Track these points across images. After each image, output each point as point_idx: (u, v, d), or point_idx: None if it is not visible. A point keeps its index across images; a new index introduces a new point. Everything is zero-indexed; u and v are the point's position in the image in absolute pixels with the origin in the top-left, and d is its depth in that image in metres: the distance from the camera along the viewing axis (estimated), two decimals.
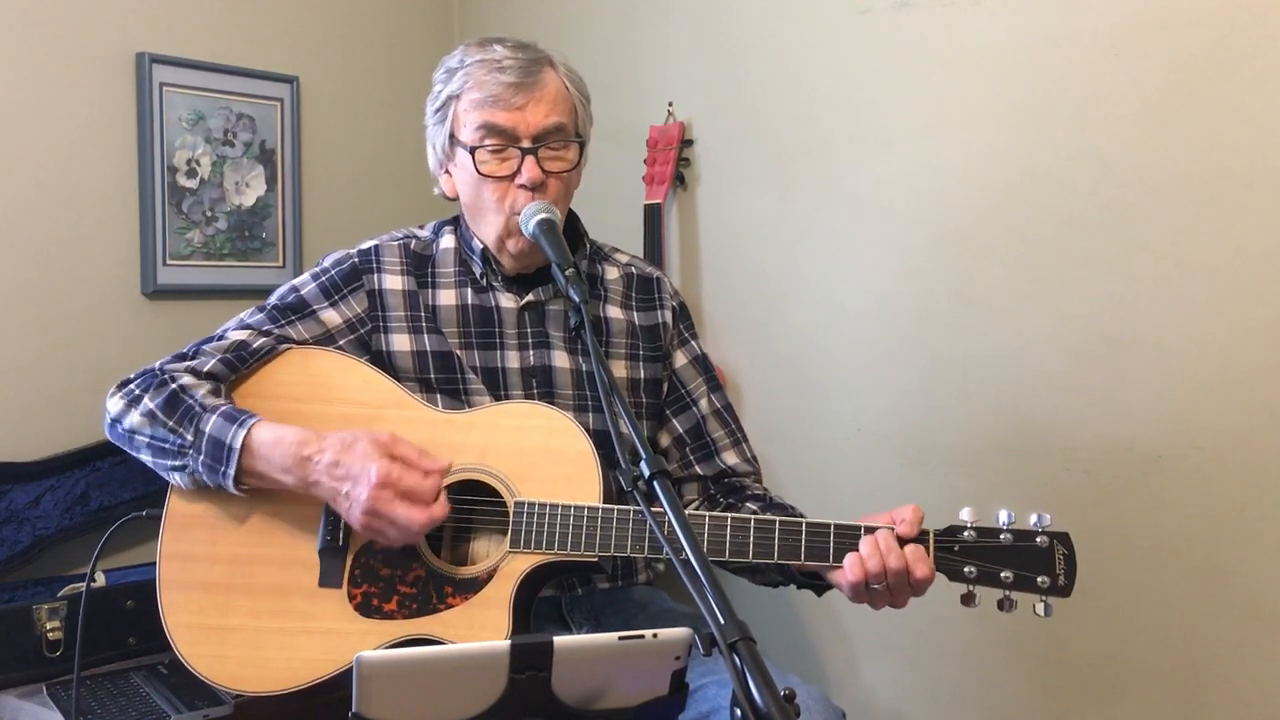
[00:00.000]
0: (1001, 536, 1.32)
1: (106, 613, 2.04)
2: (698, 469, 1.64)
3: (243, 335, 1.50)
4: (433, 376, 1.52)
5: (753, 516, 1.36)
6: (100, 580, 2.15)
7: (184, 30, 2.47)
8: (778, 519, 1.35)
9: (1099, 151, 1.75)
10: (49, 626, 1.98)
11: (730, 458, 1.65)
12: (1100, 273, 1.76)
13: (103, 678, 2.03)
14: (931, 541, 1.33)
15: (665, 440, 1.65)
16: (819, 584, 1.44)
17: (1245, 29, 1.60)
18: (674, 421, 1.65)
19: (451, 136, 1.53)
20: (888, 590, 1.32)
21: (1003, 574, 1.31)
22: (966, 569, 1.31)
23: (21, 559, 2.14)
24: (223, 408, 1.40)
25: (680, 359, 1.67)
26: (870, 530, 1.33)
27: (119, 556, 2.28)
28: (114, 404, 1.47)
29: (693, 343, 1.70)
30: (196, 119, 2.48)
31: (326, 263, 1.58)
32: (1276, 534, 1.60)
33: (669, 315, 1.67)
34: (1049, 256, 1.82)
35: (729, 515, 1.36)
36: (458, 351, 1.54)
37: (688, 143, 2.35)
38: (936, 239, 1.96)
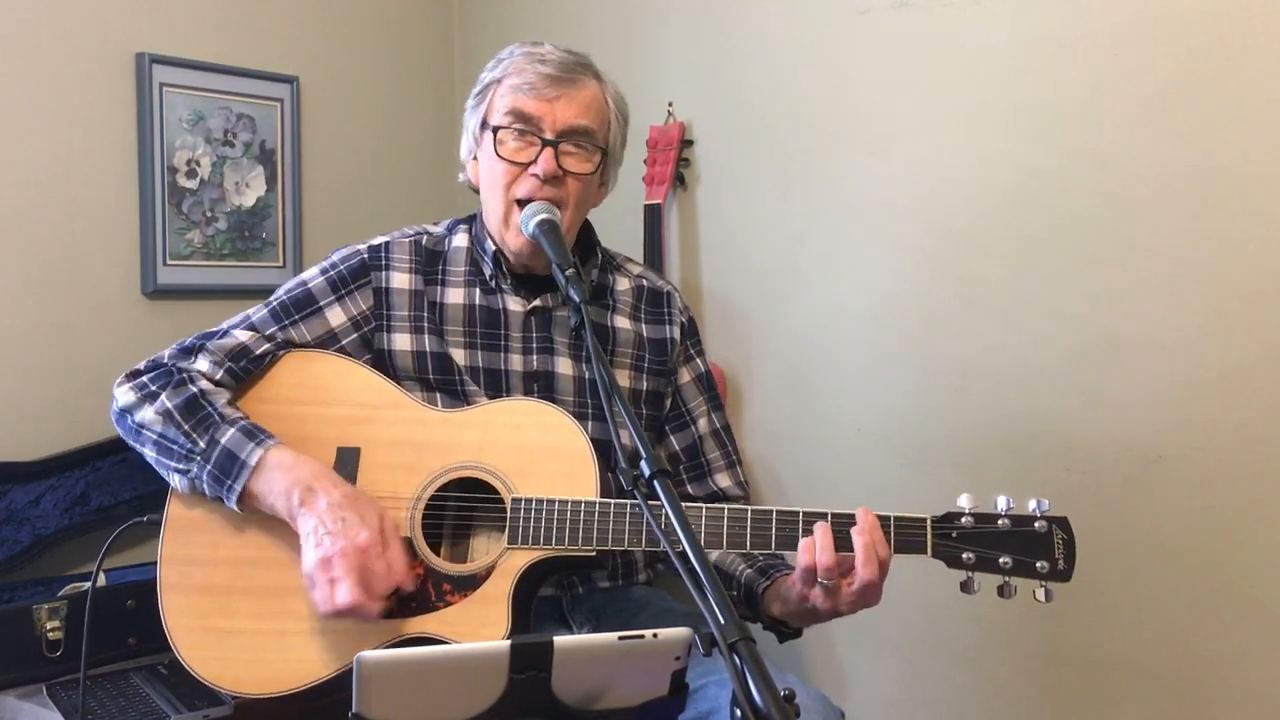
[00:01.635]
0: (999, 522, 1.32)
1: (107, 613, 2.04)
2: (689, 488, 1.64)
3: (245, 338, 1.50)
4: (431, 377, 1.52)
5: (704, 507, 1.38)
6: (100, 580, 2.15)
7: (184, 30, 2.47)
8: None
9: (1099, 151, 1.75)
10: (49, 626, 1.98)
11: (723, 480, 1.65)
12: (1100, 273, 1.76)
13: (103, 678, 2.03)
14: (929, 529, 1.33)
15: (661, 455, 1.65)
16: (783, 630, 1.48)
17: (1245, 29, 1.60)
18: (671, 439, 1.66)
19: (483, 121, 1.54)
20: (857, 589, 1.31)
21: (1001, 559, 1.30)
22: (964, 555, 1.31)
23: (21, 559, 2.14)
24: (242, 422, 1.40)
25: (684, 376, 1.67)
26: (812, 516, 1.34)
27: (119, 557, 2.28)
28: (125, 394, 1.46)
29: (697, 360, 1.69)
30: (196, 119, 2.48)
31: (335, 257, 1.58)
32: (1276, 534, 1.60)
33: (677, 331, 1.66)
34: (1049, 256, 1.82)
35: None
36: (460, 351, 1.54)
37: (688, 143, 2.35)
38: (936, 239, 1.96)
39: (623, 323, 1.63)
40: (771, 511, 1.35)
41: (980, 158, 1.90)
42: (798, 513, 1.35)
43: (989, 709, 1.94)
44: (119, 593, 2.07)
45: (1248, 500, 1.62)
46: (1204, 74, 1.64)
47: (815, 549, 1.30)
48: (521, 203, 1.49)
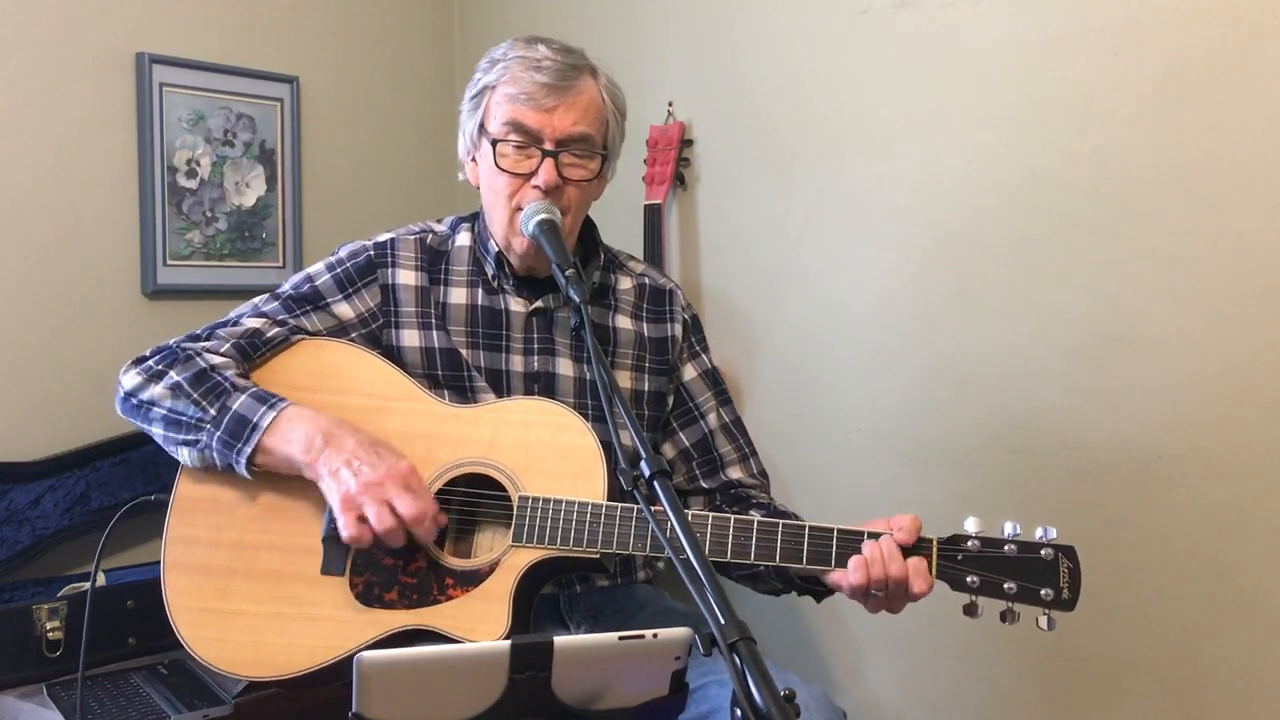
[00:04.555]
0: (1006, 548, 1.31)
1: (107, 613, 2.04)
2: (703, 483, 1.63)
3: (257, 323, 1.50)
4: (440, 373, 1.53)
5: (756, 519, 1.36)
6: (100, 580, 2.16)
7: (184, 30, 2.47)
8: (781, 521, 1.35)
9: (1099, 151, 1.75)
10: (49, 626, 1.98)
11: (735, 472, 1.64)
12: (1100, 272, 1.76)
13: (103, 678, 2.03)
14: (934, 550, 1.32)
15: (670, 453, 1.64)
16: (819, 589, 1.43)
17: (1245, 29, 1.60)
18: (680, 435, 1.65)
19: (481, 126, 1.53)
20: (886, 596, 1.32)
21: (1006, 585, 1.30)
22: (969, 579, 1.31)
23: (21, 559, 2.14)
24: (253, 389, 1.41)
25: (689, 372, 1.66)
26: (874, 536, 1.32)
27: (120, 556, 2.28)
28: (130, 379, 1.47)
29: (703, 356, 1.69)
30: (196, 119, 2.48)
31: (342, 254, 1.58)
32: (1276, 534, 1.60)
33: (679, 329, 1.66)
34: (1049, 256, 1.82)
35: (731, 517, 1.36)
36: (464, 350, 1.54)
37: (688, 143, 2.35)
38: (937, 239, 1.96)
39: (624, 323, 1.62)
40: (778, 524, 1.35)
41: (980, 157, 1.90)
42: (803, 526, 1.35)
43: (989, 708, 1.94)
44: (119, 593, 2.07)
45: (1248, 500, 1.62)
46: (1204, 74, 1.64)
47: (884, 558, 1.30)
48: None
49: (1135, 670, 1.75)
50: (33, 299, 2.28)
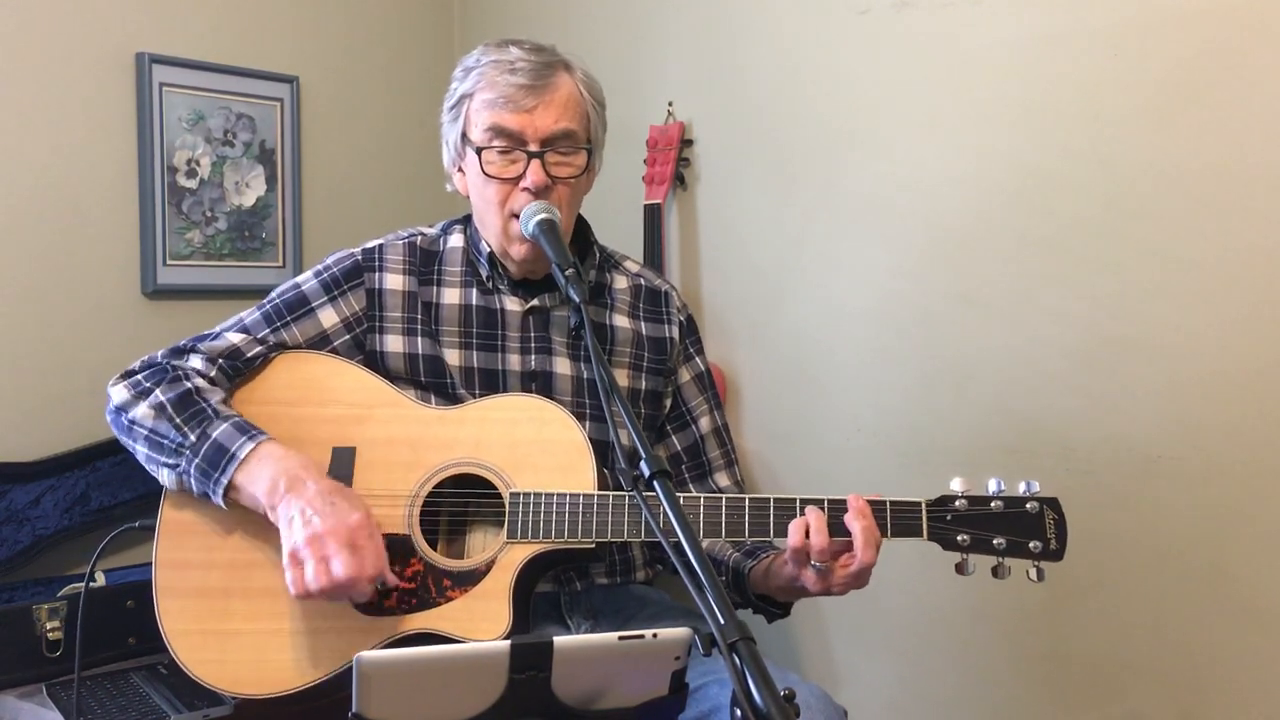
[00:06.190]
0: (992, 504, 1.34)
1: (106, 613, 2.04)
2: (691, 487, 1.64)
3: (237, 340, 1.50)
4: (423, 379, 1.52)
5: (725, 495, 1.40)
6: (100, 580, 2.16)
7: (184, 30, 2.47)
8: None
9: (1099, 151, 1.75)
10: (49, 626, 1.98)
11: (722, 479, 1.66)
12: (1100, 273, 1.76)
13: (103, 678, 2.03)
14: (924, 511, 1.35)
15: (661, 455, 1.65)
16: (771, 610, 1.50)
17: (1245, 29, 1.60)
18: (672, 438, 1.66)
19: (463, 135, 1.53)
20: (825, 571, 1.34)
21: (995, 540, 1.33)
22: (960, 537, 1.34)
23: (21, 559, 2.15)
24: (235, 418, 1.40)
25: (684, 375, 1.67)
26: (810, 504, 1.35)
27: (119, 557, 2.28)
28: (118, 392, 1.47)
29: (697, 359, 1.69)
30: (196, 119, 2.48)
31: (329, 260, 1.59)
32: (1276, 534, 1.60)
33: (676, 330, 1.66)
34: (1049, 256, 1.81)
35: (723, 496, 1.39)
36: (456, 352, 1.54)
37: (688, 143, 2.35)
38: (936, 239, 1.96)
39: (621, 321, 1.63)
40: (769, 499, 1.37)
41: (980, 158, 1.90)
42: (795, 500, 1.37)
43: (989, 708, 1.94)
44: (119, 593, 2.07)
45: (1248, 500, 1.62)
46: (1204, 74, 1.64)
47: (810, 531, 1.32)
48: (519, 215, 1.48)
49: (1134, 669, 1.75)
50: (33, 299, 2.28)
